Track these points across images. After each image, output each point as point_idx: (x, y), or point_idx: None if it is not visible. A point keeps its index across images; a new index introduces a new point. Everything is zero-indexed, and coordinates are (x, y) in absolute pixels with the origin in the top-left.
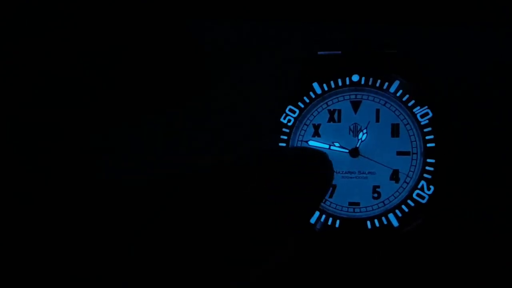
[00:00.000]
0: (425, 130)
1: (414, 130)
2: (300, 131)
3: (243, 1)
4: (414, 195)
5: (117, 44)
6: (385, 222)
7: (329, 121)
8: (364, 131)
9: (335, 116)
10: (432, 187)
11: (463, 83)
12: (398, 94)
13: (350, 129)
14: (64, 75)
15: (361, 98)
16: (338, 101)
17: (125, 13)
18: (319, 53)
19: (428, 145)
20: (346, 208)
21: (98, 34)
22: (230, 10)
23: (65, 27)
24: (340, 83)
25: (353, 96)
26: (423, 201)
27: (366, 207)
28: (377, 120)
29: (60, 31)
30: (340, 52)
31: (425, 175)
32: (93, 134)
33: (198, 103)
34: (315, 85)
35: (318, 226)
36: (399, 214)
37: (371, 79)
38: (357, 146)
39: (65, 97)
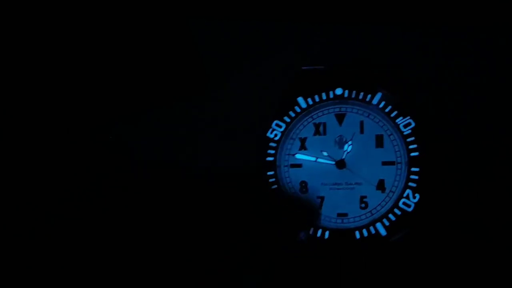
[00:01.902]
0: (408, 140)
1: (398, 140)
2: (287, 145)
3: None
4: (400, 204)
5: (115, 44)
6: (373, 232)
7: (315, 134)
8: (350, 142)
9: (321, 129)
10: (417, 196)
11: (443, 91)
12: (380, 106)
13: (335, 141)
14: (59, 76)
15: (345, 111)
16: (323, 114)
17: (125, 13)
18: (303, 68)
19: (412, 154)
20: (335, 219)
21: (97, 33)
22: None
23: (63, 27)
24: (324, 97)
25: (337, 109)
26: (409, 210)
27: (354, 217)
28: (362, 131)
29: (59, 31)
30: (322, 67)
31: (410, 183)
32: (88, 133)
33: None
34: (300, 99)
35: (302, 236)
36: (387, 223)
37: (354, 92)
38: (343, 157)
39: (64, 96)
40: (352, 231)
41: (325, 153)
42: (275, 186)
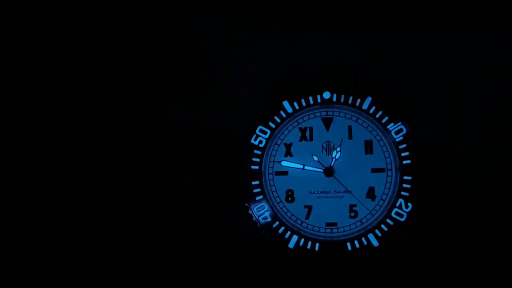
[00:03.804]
0: (400, 147)
1: (388, 146)
2: (272, 151)
3: None
4: (392, 214)
5: (116, 44)
6: (365, 243)
7: (301, 139)
8: (338, 149)
9: (307, 134)
10: (410, 205)
11: (437, 97)
12: (371, 111)
13: (323, 147)
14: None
15: (332, 115)
16: (309, 118)
17: (125, 13)
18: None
19: (404, 162)
20: (324, 229)
21: (98, 33)
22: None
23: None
24: (311, 101)
25: (324, 113)
26: (402, 219)
27: (343, 226)
28: (350, 137)
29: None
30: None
31: (402, 192)
32: (86, 133)
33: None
34: (286, 103)
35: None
36: (379, 234)
37: (342, 96)
38: (332, 165)
39: (64, 97)
40: (343, 242)
41: (315, 158)
42: (261, 196)
